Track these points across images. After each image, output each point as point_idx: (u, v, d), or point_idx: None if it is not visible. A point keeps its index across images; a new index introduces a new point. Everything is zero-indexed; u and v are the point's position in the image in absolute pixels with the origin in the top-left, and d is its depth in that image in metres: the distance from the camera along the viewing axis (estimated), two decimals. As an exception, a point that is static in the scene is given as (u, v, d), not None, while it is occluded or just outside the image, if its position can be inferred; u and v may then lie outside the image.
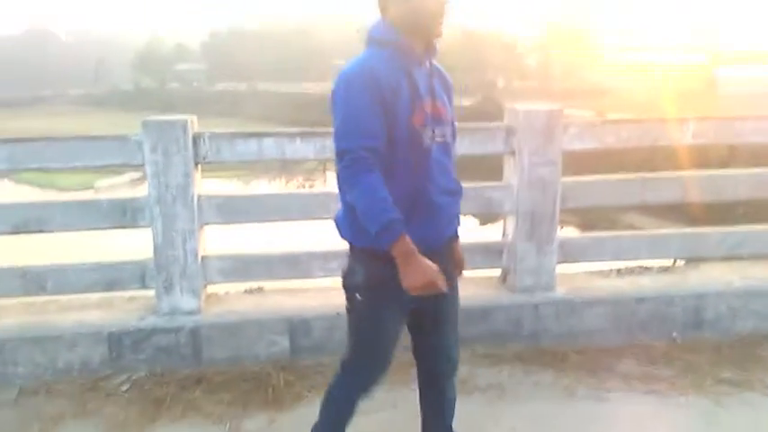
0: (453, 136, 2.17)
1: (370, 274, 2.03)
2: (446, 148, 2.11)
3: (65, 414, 2.94)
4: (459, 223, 2.25)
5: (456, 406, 2.93)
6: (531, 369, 3.34)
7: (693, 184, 3.80)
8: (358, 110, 1.91)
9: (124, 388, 3.15)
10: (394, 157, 1.96)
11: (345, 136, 1.92)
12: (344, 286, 2.14)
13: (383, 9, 2.04)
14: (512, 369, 3.34)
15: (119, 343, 3.27)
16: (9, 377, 3.20)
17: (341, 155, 1.92)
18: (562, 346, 3.53)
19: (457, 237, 2.27)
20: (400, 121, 1.95)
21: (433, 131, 2.03)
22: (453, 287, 2.19)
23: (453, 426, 2.42)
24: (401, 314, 2.14)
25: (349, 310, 2.16)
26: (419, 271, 1.87)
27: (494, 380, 3.23)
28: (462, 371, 3.26)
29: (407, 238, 1.86)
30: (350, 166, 1.90)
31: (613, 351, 3.49)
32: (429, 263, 1.89)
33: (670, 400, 3.02)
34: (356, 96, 1.91)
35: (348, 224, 2.07)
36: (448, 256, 2.20)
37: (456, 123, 2.21)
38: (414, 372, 3.22)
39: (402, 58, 2.00)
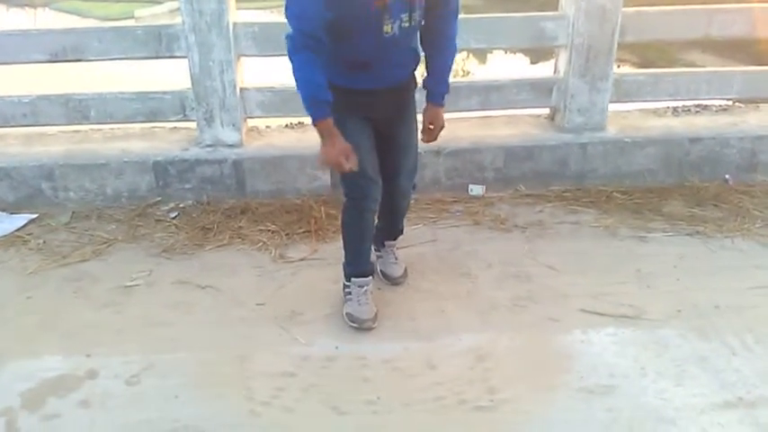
0: (423, 16, 2.20)
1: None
2: (411, 30, 2.18)
3: (116, 237, 3.07)
4: (416, 66, 2.36)
5: (494, 243, 2.97)
6: (574, 209, 3.30)
7: (763, 17, 3.47)
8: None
9: (172, 215, 3.25)
10: (352, 31, 2.08)
11: (289, 18, 2.04)
12: None
13: None
14: (554, 208, 3.31)
15: (164, 172, 3.32)
16: (62, 201, 3.33)
17: (286, 35, 2.06)
18: (608, 187, 3.46)
19: (440, 104, 2.39)
20: (358, 6, 2.03)
21: (398, 18, 2.10)
22: (409, 130, 2.43)
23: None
24: (363, 127, 2.29)
25: None
26: (331, 149, 2.11)
27: (534, 218, 3.21)
28: (503, 209, 3.28)
29: (329, 120, 2.09)
30: (290, 45, 2.05)
31: (661, 192, 3.42)
32: (342, 145, 2.11)
33: (715, 242, 2.98)
34: None
35: None
36: (404, 93, 2.37)
37: None
38: (451, 208, 3.25)
39: None
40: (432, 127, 2.40)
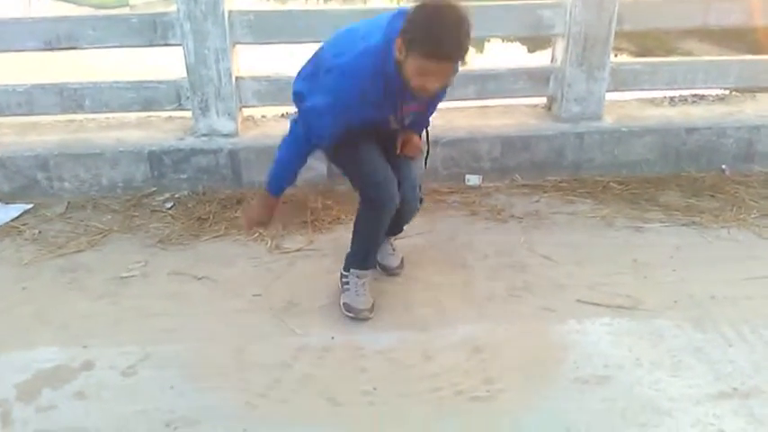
0: (431, 109, 2.39)
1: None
2: (417, 117, 2.30)
3: (112, 228, 3.06)
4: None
5: (490, 233, 2.97)
6: (570, 199, 3.30)
7: (761, 6, 3.45)
8: (324, 119, 2.08)
9: (168, 205, 3.24)
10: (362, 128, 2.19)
11: (306, 125, 2.13)
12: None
13: (399, 47, 1.91)
14: (550, 199, 3.31)
15: (159, 162, 3.31)
16: (57, 191, 3.31)
17: (292, 123, 2.18)
18: (604, 177, 3.46)
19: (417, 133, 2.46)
20: (369, 116, 2.13)
21: (404, 118, 2.21)
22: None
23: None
24: (369, 140, 2.30)
25: (332, 161, 2.45)
26: (261, 208, 2.30)
27: (531, 209, 3.21)
28: (500, 199, 3.27)
29: (271, 197, 2.27)
30: (292, 138, 2.17)
31: (658, 182, 3.42)
32: (261, 211, 2.30)
33: (711, 232, 2.98)
34: (331, 109, 2.05)
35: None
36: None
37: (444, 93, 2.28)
38: (448, 199, 3.25)
39: (391, 85, 2.02)
40: (404, 146, 2.42)
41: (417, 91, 1.97)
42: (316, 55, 2.28)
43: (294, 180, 2.25)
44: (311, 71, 2.25)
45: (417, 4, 1.88)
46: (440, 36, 1.81)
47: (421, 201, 2.57)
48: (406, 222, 2.64)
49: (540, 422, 1.95)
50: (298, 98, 2.27)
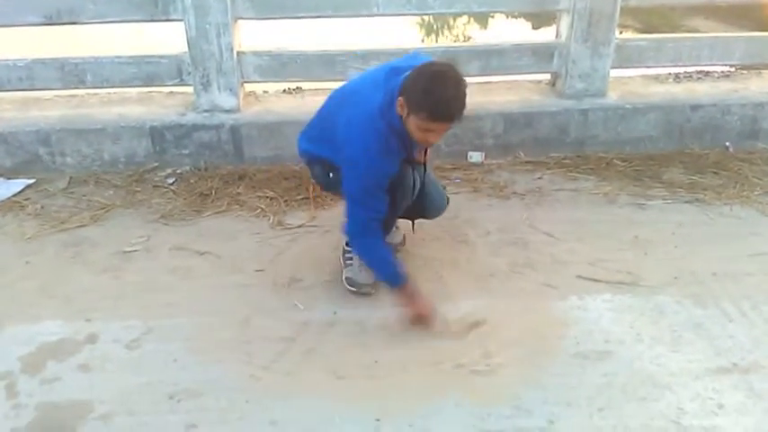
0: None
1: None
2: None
3: (114, 203, 3.06)
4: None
5: (493, 210, 2.97)
6: (573, 176, 3.29)
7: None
8: (368, 191, 2.15)
9: (170, 181, 3.24)
10: None
11: (352, 203, 2.21)
12: (324, 182, 2.45)
13: (402, 105, 2.01)
14: (553, 176, 3.30)
15: (161, 137, 3.30)
16: (59, 167, 3.31)
17: (347, 214, 2.23)
18: (608, 154, 3.45)
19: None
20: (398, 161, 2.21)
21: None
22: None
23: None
24: None
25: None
26: (418, 306, 2.22)
27: (533, 186, 3.21)
28: (502, 176, 3.27)
29: (409, 285, 2.22)
30: (353, 229, 2.24)
31: (661, 159, 3.41)
32: (428, 302, 2.23)
33: (713, 209, 2.98)
34: (370, 176, 2.13)
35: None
36: None
37: None
38: (450, 176, 3.24)
39: (402, 137, 2.11)
40: None
41: (421, 143, 2.13)
42: (319, 117, 2.38)
43: (394, 257, 2.27)
44: (317, 135, 2.36)
45: (417, 67, 2.00)
46: (442, 100, 1.93)
47: (448, 200, 2.56)
48: (430, 217, 2.58)
49: (540, 396, 1.97)
50: (305, 156, 2.45)
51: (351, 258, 2.48)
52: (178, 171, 3.32)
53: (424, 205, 2.47)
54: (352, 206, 2.22)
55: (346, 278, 2.46)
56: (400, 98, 2.01)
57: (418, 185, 2.33)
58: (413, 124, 2.01)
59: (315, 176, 2.47)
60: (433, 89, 1.92)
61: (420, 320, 2.23)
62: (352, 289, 2.43)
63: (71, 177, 3.27)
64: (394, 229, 2.68)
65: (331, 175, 2.33)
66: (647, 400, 1.95)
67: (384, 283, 2.28)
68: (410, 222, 2.63)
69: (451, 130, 3.34)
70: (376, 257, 2.26)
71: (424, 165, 2.44)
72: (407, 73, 2.03)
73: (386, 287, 2.28)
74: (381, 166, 2.12)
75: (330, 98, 2.36)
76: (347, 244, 2.51)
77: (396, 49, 3.38)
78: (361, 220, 2.21)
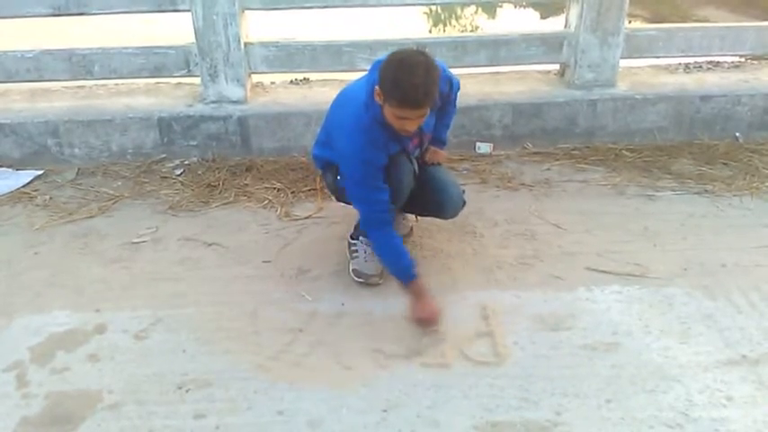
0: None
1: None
2: (420, 150, 2.42)
3: (122, 194, 3.07)
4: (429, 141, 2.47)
5: (501, 201, 2.96)
6: (582, 167, 3.27)
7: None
8: (363, 185, 2.17)
9: (178, 172, 3.24)
10: None
11: (355, 204, 2.28)
12: (335, 189, 2.46)
13: (378, 95, 2.04)
14: (561, 167, 3.28)
15: (169, 129, 3.31)
16: (67, 158, 3.32)
17: (361, 213, 2.28)
18: (617, 145, 3.43)
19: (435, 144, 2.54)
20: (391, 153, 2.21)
21: (413, 151, 2.35)
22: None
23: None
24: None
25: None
26: (423, 307, 2.21)
27: (542, 177, 3.19)
28: (510, 167, 3.26)
29: (419, 281, 2.24)
30: (364, 223, 2.30)
31: (670, 150, 3.39)
32: (433, 305, 2.22)
33: (723, 200, 2.96)
34: (362, 171, 2.15)
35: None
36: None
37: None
38: (458, 167, 3.22)
39: (389, 128, 2.12)
40: (428, 155, 2.51)
41: (400, 131, 2.11)
42: (325, 120, 2.41)
43: (407, 252, 2.24)
44: (324, 139, 2.40)
45: (389, 55, 2.01)
46: (407, 86, 1.94)
47: (464, 203, 2.49)
48: (446, 215, 2.53)
49: (548, 388, 1.97)
50: (317, 161, 2.50)
51: (356, 250, 2.48)
52: (186, 162, 3.32)
53: (440, 203, 2.45)
54: (356, 203, 2.27)
55: (353, 270, 2.46)
56: (376, 87, 2.03)
57: (411, 175, 2.31)
58: (388, 112, 2.03)
59: (328, 185, 2.48)
60: (400, 76, 1.94)
61: (424, 322, 2.22)
62: (359, 280, 2.43)
63: (79, 168, 3.28)
64: (400, 218, 2.68)
65: (339, 177, 2.33)
66: (655, 392, 1.94)
67: (395, 277, 2.28)
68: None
69: (459, 121, 3.36)
70: (386, 250, 2.26)
71: (423, 158, 2.45)
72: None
73: (395, 280, 2.28)
74: (370, 159, 2.13)
75: (333, 101, 2.38)
76: (351, 236, 2.51)
77: (404, 40, 3.36)
78: (367, 214, 2.24)
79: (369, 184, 2.17)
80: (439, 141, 2.54)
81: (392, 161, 2.21)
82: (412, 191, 2.39)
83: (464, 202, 2.49)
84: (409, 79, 1.93)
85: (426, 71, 1.95)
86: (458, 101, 2.49)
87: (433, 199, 2.44)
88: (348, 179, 2.22)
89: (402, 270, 2.23)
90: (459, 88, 2.44)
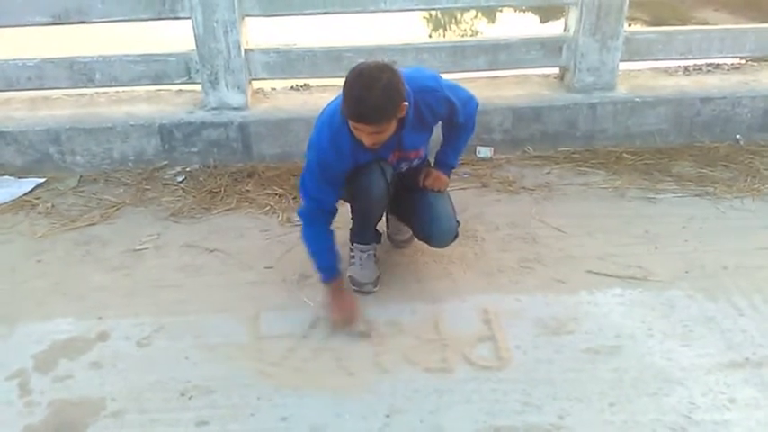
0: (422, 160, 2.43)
1: None
2: (412, 168, 2.39)
3: (124, 201, 3.08)
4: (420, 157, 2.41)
5: (502, 205, 2.96)
6: (583, 170, 3.28)
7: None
8: (313, 179, 2.18)
9: (179, 179, 3.25)
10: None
11: (304, 195, 2.25)
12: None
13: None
14: (562, 170, 3.29)
15: (170, 136, 3.31)
16: (69, 165, 3.33)
17: (300, 211, 2.30)
18: (617, 148, 3.43)
19: (445, 173, 2.46)
20: (360, 161, 2.19)
21: (398, 168, 2.32)
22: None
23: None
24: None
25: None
26: (338, 306, 2.26)
27: (542, 180, 3.19)
28: (511, 171, 3.26)
29: (335, 281, 2.28)
30: (304, 212, 2.29)
31: (671, 153, 3.39)
32: (350, 303, 2.28)
33: (724, 203, 2.96)
34: (316, 167, 2.15)
35: None
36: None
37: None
38: (459, 171, 3.22)
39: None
40: (426, 179, 2.43)
41: (363, 142, 2.05)
42: None
43: (334, 251, 2.27)
44: None
45: (355, 65, 1.98)
46: (353, 100, 1.92)
47: (456, 235, 2.42)
48: (434, 246, 2.47)
49: (550, 392, 1.96)
50: None
51: (353, 256, 2.48)
52: (187, 169, 3.33)
53: (428, 234, 2.40)
54: (301, 192, 2.27)
55: (349, 276, 2.46)
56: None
57: (381, 188, 2.23)
58: (349, 124, 2.02)
59: None
60: (354, 89, 1.91)
61: (339, 322, 2.24)
62: (354, 288, 2.44)
63: (81, 176, 3.29)
64: (403, 225, 2.68)
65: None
66: (658, 395, 1.94)
67: (316, 270, 2.32)
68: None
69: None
70: (312, 246, 2.30)
71: (420, 179, 2.42)
72: None
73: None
74: (330, 161, 2.13)
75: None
76: (350, 242, 2.51)
77: (403, 45, 3.38)
78: (307, 206, 2.25)
79: (320, 180, 2.17)
80: (445, 165, 2.46)
81: (361, 169, 2.19)
82: (404, 211, 2.42)
83: (456, 236, 2.42)
84: (361, 94, 1.89)
85: (383, 88, 1.88)
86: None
87: (422, 227, 2.41)
88: (305, 167, 2.22)
89: (321, 269, 2.28)
90: (474, 110, 2.36)
